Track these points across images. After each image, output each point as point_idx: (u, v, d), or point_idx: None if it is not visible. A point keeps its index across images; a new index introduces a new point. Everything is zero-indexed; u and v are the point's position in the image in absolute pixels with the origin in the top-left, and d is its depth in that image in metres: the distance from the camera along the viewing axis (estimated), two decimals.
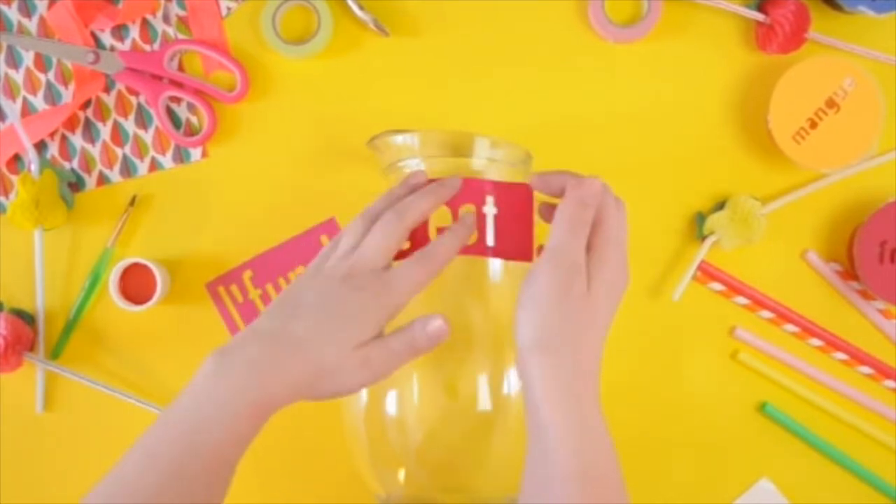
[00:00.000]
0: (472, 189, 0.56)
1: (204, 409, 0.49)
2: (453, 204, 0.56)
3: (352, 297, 0.51)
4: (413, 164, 0.60)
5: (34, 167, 0.70)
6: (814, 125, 0.68)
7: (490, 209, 0.56)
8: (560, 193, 0.53)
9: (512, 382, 0.59)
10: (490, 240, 0.57)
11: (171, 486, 0.48)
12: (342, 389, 0.52)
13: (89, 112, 0.71)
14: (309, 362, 0.50)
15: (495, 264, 0.61)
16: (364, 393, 0.60)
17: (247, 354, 0.50)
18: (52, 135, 0.71)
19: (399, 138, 0.60)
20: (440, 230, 0.56)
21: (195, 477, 0.48)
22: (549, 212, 0.54)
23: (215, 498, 0.50)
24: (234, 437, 0.49)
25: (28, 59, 0.71)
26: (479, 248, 0.57)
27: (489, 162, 0.60)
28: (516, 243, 0.57)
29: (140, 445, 0.50)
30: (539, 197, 0.57)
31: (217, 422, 0.49)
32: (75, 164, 0.71)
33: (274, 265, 0.71)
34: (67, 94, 0.71)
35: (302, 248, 0.71)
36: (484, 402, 0.58)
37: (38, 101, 0.71)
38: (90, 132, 0.71)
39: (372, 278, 0.52)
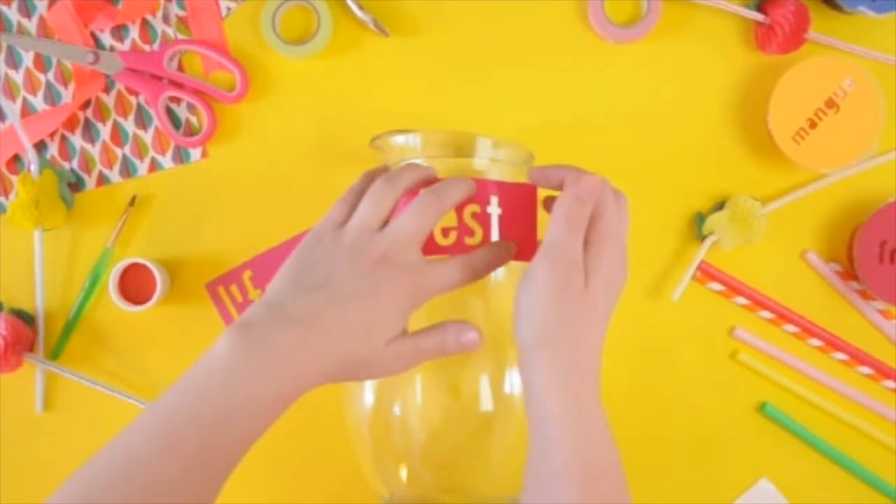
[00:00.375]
0: (477, 189, 0.56)
1: (234, 398, 0.47)
2: (458, 204, 0.56)
3: (388, 290, 0.50)
4: None
5: (34, 167, 0.70)
6: (813, 125, 0.68)
7: (494, 209, 0.56)
8: (559, 187, 0.53)
9: (515, 382, 0.59)
10: (494, 240, 0.57)
11: (193, 474, 0.46)
12: (371, 377, 0.52)
13: (89, 112, 0.71)
14: (343, 354, 0.49)
15: None
16: (368, 393, 0.60)
17: (280, 342, 0.48)
18: (51, 135, 0.71)
19: (401, 138, 0.60)
20: (445, 231, 0.56)
21: (216, 466, 0.47)
22: (551, 204, 0.54)
23: (222, 483, 0.49)
24: (258, 427, 0.48)
25: (28, 59, 0.71)
26: None
27: (491, 162, 0.60)
28: (520, 244, 0.57)
29: (152, 430, 0.47)
30: (543, 192, 0.57)
31: (247, 412, 0.47)
32: (75, 164, 0.71)
33: (274, 265, 0.70)
34: (67, 95, 0.71)
35: None
36: (487, 402, 0.58)
37: (38, 102, 0.71)
38: (90, 132, 0.71)
39: (408, 271, 0.51)
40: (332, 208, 0.54)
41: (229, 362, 0.47)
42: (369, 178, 0.56)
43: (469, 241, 0.56)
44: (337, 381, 0.50)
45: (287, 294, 0.50)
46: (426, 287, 0.51)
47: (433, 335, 0.52)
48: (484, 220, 0.56)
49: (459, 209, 0.56)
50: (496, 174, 0.60)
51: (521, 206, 0.57)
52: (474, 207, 0.56)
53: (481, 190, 0.56)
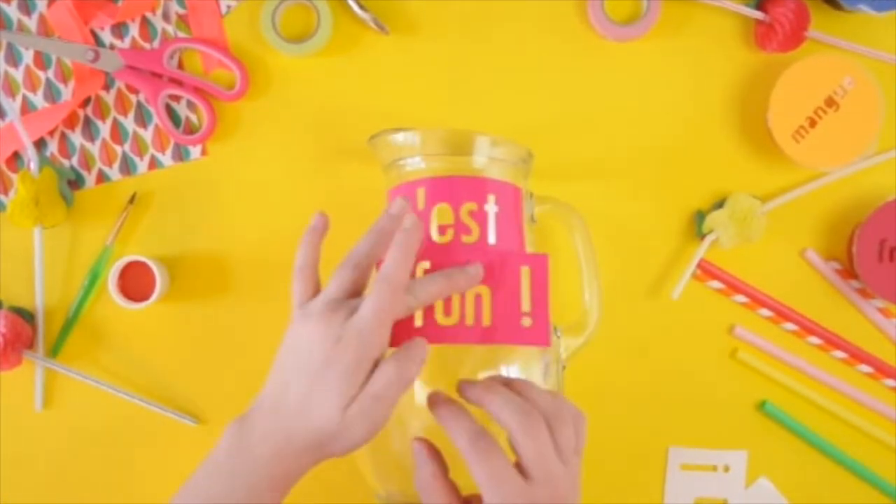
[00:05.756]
0: (474, 187, 0.56)
1: (231, 488, 0.51)
2: (455, 203, 0.56)
3: (337, 362, 0.50)
4: (414, 163, 0.60)
5: (34, 165, 0.70)
6: (813, 124, 0.68)
7: (492, 207, 0.56)
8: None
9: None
10: (492, 237, 0.57)
11: None
12: (352, 445, 0.51)
13: (89, 110, 0.71)
14: (308, 430, 0.50)
15: None
16: None
17: (260, 428, 0.51)
18: (51, 133, 0.71)
19: (400, 136, 0.60)
20: (442, 228, 0.56)
21: None
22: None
23: None
24: None
25: (28, 56, 0.71)
26: (481, 246, 0.57)
27: (490, 160, 0.60)
28: (512, 243, 0.57)
29: None
30: None
31: (242, 499, 0.50)
32: (75, 161, 0.71)
33: None
34: (67, 92, 0.71)
35: None
36: None
37: (38, 99, 0.71)
38: (90, 130, 0.71)
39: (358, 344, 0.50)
40: (294, 288, 0.55)
41: (223, 459, 0.51)
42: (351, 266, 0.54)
43: (466, 238, 0.56)
44: (321, 458, 0.51)
45: (268, 384, 0.53)
46: (371, 349, 0.50)
47: (377, 378, 0.50)
48: (481, 218, 0.56)
49: (457, 207, 0.56)
50: (495, 172, 0.60)
51: (512, 205, 0.57)
52: (471, 205, 0.56)
53: (480, 188, 0.56)
